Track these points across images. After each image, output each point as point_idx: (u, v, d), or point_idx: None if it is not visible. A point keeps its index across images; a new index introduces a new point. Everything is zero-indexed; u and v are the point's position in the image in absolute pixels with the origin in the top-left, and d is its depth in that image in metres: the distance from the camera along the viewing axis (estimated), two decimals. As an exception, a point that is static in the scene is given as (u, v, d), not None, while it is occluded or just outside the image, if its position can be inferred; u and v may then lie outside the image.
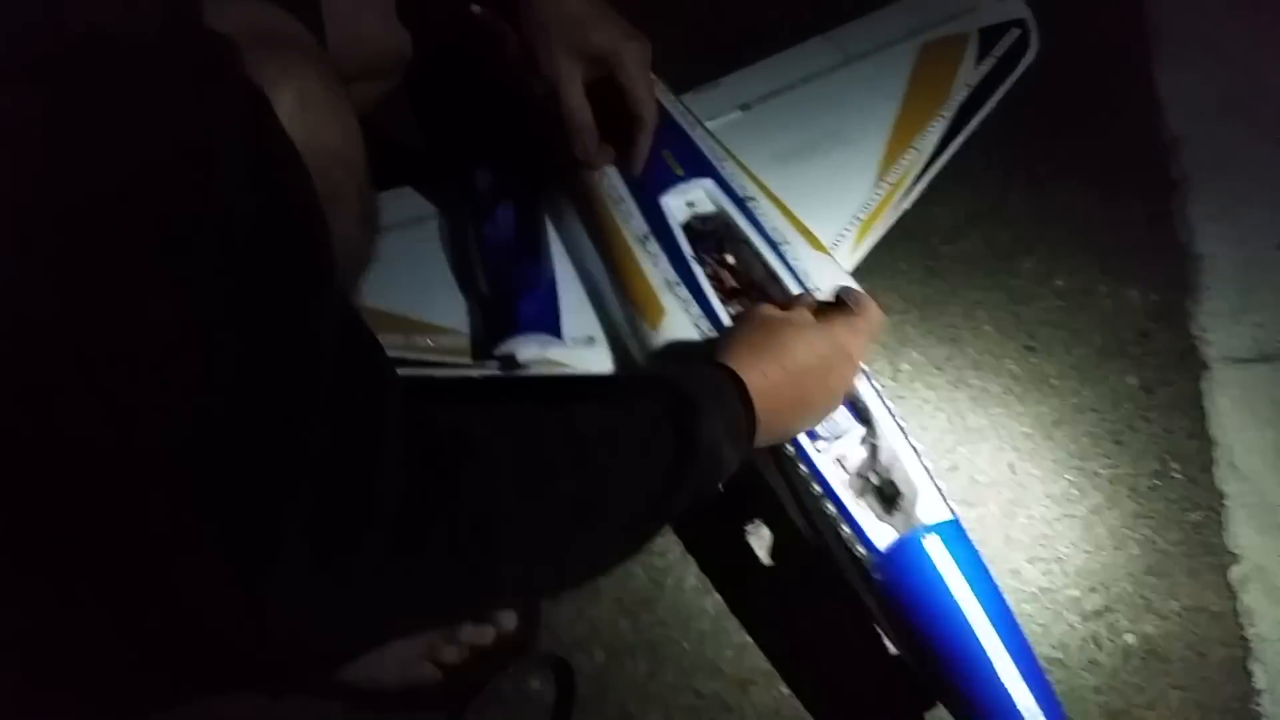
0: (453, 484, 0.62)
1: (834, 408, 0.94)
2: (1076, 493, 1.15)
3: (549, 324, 1.03)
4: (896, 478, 0.94)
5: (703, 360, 0.87)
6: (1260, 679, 1.07)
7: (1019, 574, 1.10)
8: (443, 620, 0.69)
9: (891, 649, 1.00)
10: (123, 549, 0.55)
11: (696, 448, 0.76)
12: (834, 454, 0.96)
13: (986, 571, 0.90)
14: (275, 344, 0.56)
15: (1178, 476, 1.17)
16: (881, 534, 0.90)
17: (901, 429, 0.96)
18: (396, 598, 0.62)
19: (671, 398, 0.78)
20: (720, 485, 0.82)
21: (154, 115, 0.52)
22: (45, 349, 0.51)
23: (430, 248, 1.13)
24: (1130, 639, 1.08)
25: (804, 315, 0.91)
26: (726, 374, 0.83)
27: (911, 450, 0.95)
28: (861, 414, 0.97)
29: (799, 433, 0.92)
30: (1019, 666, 0.86)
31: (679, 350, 0.98)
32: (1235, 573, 1.12)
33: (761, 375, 0.84)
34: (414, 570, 0.61)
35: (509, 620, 1.00)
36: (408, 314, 1.06)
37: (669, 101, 1.16)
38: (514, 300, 1.03)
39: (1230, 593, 1.11)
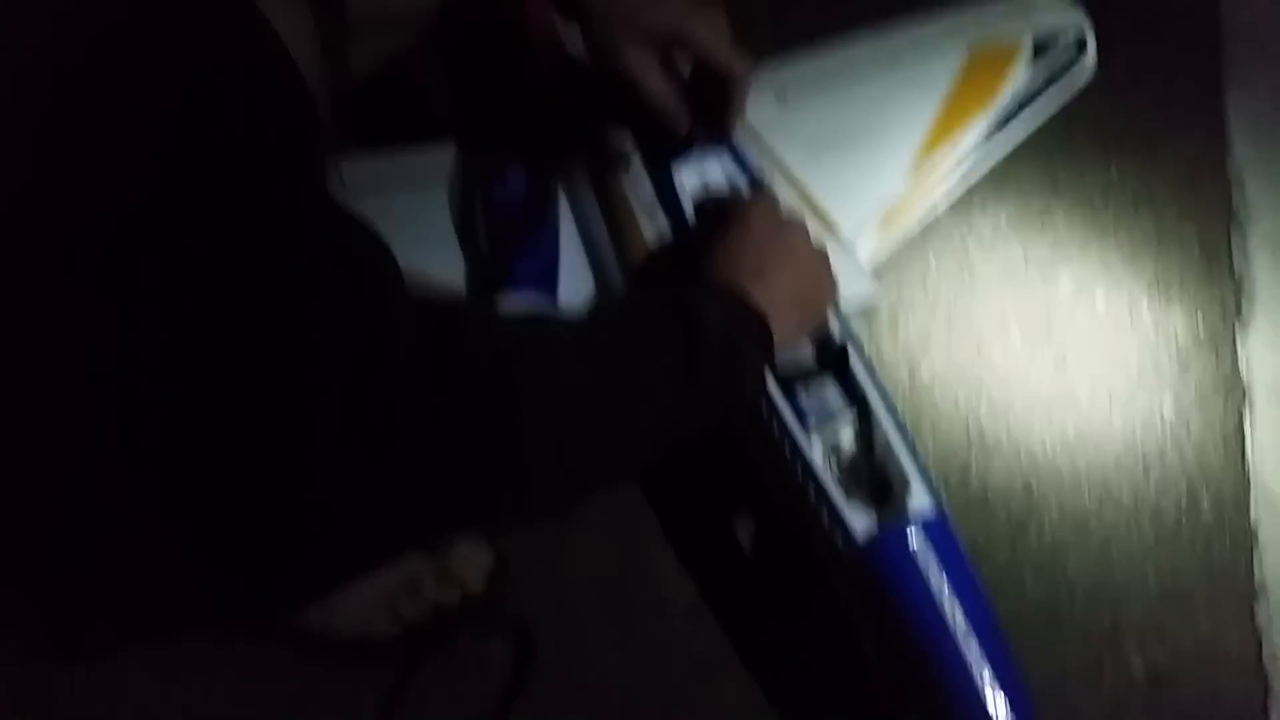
0: (469, 342, 0.63)
1: (823, 263, 0.93)
2: (1095, 514, 1.09)
3: (545, 284, 1.00)
4: (890, 470, 0.90)
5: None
6: (1278, 724, 0.99)
7: (1023, 591, 1.04)
8: (469, 507, 0.68)
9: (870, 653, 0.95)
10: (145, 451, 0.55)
11: (702, 325, 0.76)
12: (825, 441, 0.92)
13: (972, 574, 0.85)
14: (277, 220, 0.57)
15: (1207, 509, 1.10)
16: (863, 525, 0.85)
17: (899, 421, 0.91)
18: (425, 458, 0.61)
19: (663, 292, 0.79)
20: (750, 381, 0.82)
21: None
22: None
23: (439, 209, 1.11)
24: (1137, 670, 1.01)
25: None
26: (700, 279, 0.84)
27: (907, 443, 0.90)
28: (859, 403, 0.92)
29: (822, 305, 0.93)
30: (997, 674, 0.80)
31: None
32: (1262, 612, 1.05)
33: (726, 270, 0.85)
34: (441, 435, 0.61)
35: (476, 582, 0.98)
36: (410, 274, 1.04)
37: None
38: (512, 259, 1.01)
39: (1254, 632, 1.04)
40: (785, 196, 1.03)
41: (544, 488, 0.69)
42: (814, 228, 1.00)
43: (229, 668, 0.95)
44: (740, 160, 1.05)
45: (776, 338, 0.83)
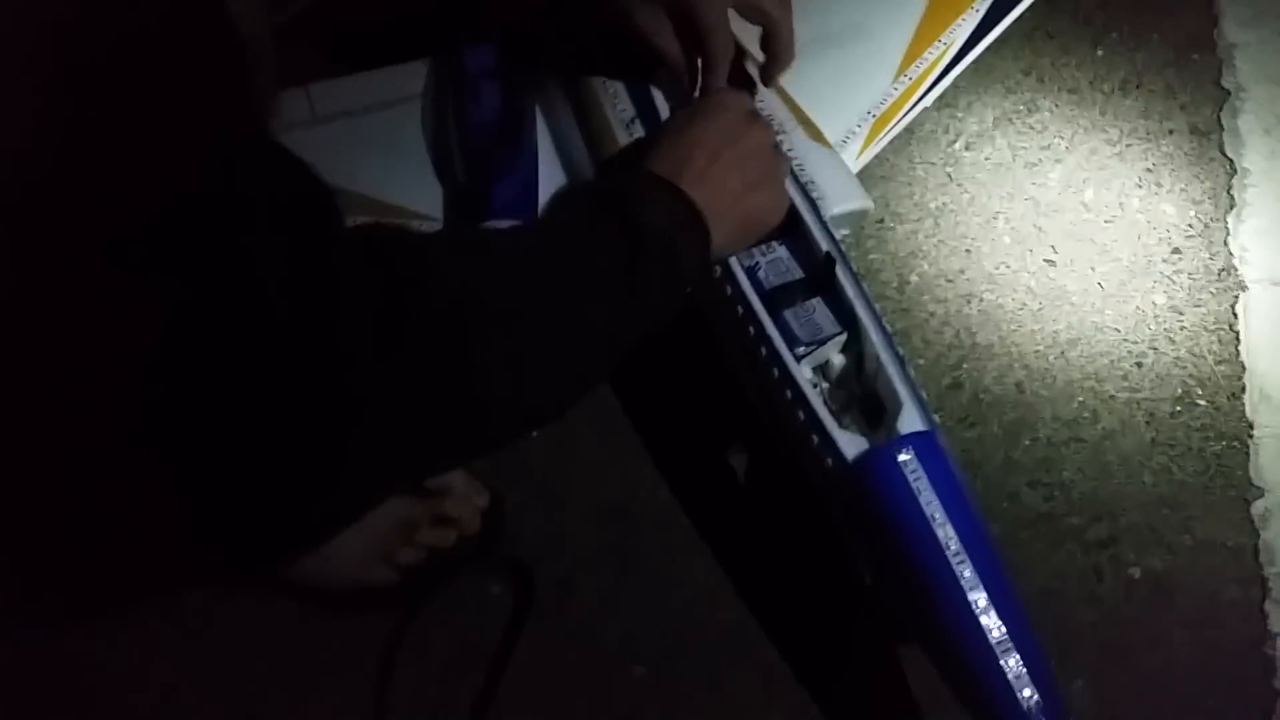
0: (416, 278, 0.62)
1: (780, 172, 0.90)
2: (1088, 416, 1.08)
3: (524, 209, 0.97)
4: (880, 388, 0.88)
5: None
6: (1276, 621, 1.00)
7: (1018, 498, 1.04)
8: (438, 448, 0.68)
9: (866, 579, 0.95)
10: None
11: (642, 232, 0.75)
12: (815, 361, 0.91)
13: (966, 494, 0.83)
14: (194, 169, 0.55)
15: (1202, 404, 1.09)
16: (852, 445, 0.84)
17: (888, 337, 0.89)
18: (390, 411, 0.61)
19: (600, 196, 0.77)
20: (688, 284, 0.80)
21: None
22: None
23: (412, 130, 1.07)
24: (1136, 573, 1.01)
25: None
26: (648, 174, 0.82)
27: (897, 359, 0.88)
28: (847, 319, 0.90)
29: (770, 215, 0.89)
30: (991, 594, 0.79)
31: None
32: (1258, 507, 1.05)
33: (675, 165, 0.82)
34: (399, 372, 0.60)
35: (472, 524, 0.97)
36: (380, 197, 1.02)
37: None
38: (489, 184, 0.98)
39: (1251, 529, 1.04)
40: (772, 107, 1.00)
41: (500, 419, 0.69)
42: (804, 137, 0.98)
43: (230, 621, 0.95)
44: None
45: (714, 240, 0.81)
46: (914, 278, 1.15)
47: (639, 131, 0.97)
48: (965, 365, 1.10)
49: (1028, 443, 1.06)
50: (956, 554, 0.80)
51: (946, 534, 0.80)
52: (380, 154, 1.04)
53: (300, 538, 0.69)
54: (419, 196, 1.02)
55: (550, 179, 1.01)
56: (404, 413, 0.61)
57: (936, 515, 0.81)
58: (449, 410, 0.64)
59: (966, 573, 0.79)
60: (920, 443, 0.83)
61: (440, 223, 1.01)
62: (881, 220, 1.16)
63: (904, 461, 0.82)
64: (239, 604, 0.95)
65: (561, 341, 0.71)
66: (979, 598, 0.79)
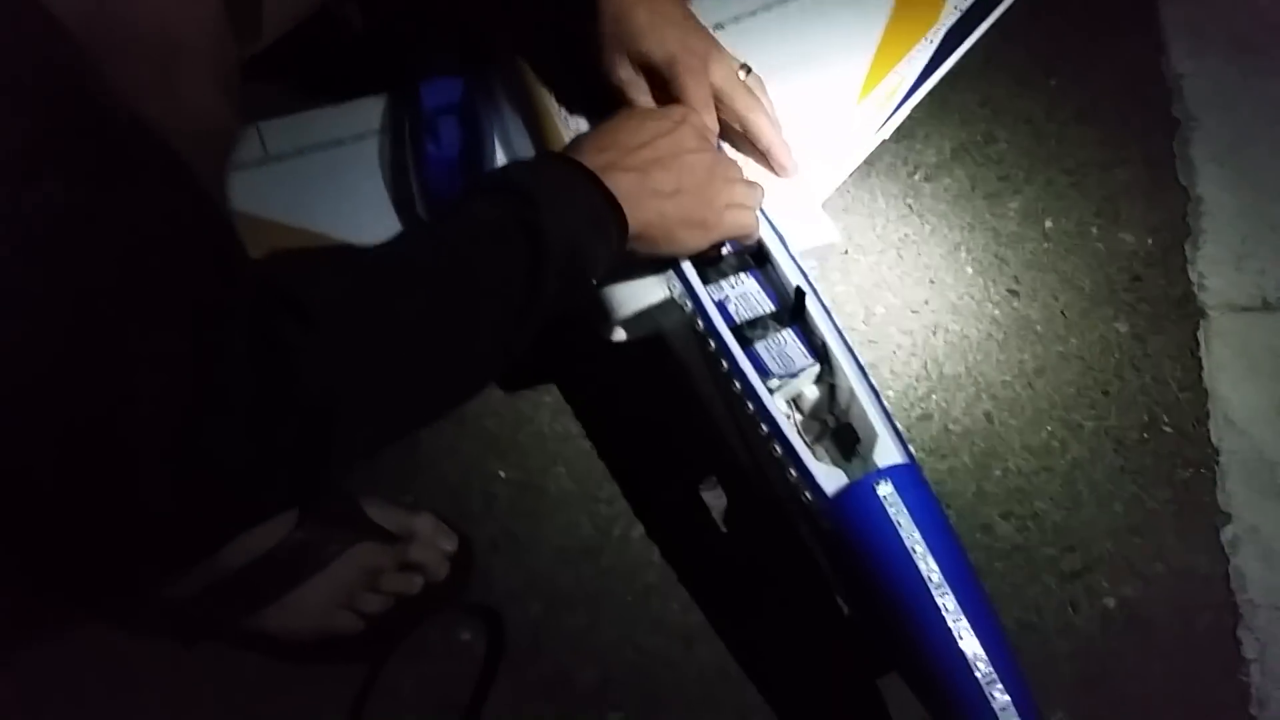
0: (296, 363, 0.60)
1: (719, 197, 0.89)
2: (1057, 445, 1.08)
3: None
4: (855, 420, 0.87)
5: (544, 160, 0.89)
6: (1249, 648, 0.99)
7: (991, 530, 1.03)
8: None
9: (845, 610, 0.94)
10: None
11: (549, 244, 0.74)
12: (787, 394, 0.89)
13: (945, 522, 0.82)
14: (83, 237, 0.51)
15: (1168, 430, 1.09)
16: (831, 479, 0.82)
17: (861, 369, 0.88)
18: (260, 487, 0.60)
19: (512, 198, 0.76)
20: (590, 283, 0.80)
21: None
22: None
23: (368, 167, 1.06)
24: (1110, 603, 1.01)
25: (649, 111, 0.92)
26: (570, 164, 0.81)
27: (871, 391, 0.87)
28: (819, 351, 0.89)
29: (693, 230, 0.88)
30: (974, 625, 0.78)
31: None
32: (1227, 534, 1.05)
33: (602, 156, 0.82)
34: (272, 457, 0.59)
35: (439, 569, 0.95)
36: (333, 234, 1.00)
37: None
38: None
39: (1221, 555, 1.04)
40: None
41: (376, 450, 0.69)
42: (768, 172, 0.98)
43: (194, 671, 0.93)
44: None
45: (631, 230, 0.81)
46: (880, 309, 1.14)
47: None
48: (934, 396, 1.10)
49: (999, 473, 1.06)
50: (939, 585, 0.78)
51: (928, 566, 0.79)
52: (334, 191, 1.03)
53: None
54: (373, 233, 1.00)
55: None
56: (276, 483, 0.61)
57: (918, 548, 0.79)
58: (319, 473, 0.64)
59: (950, 604, 0.78)
60: (899, 475, 0.82)
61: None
62: (846, 252, 1.16)
63: (884, 495, 0.81)
64: (202, 653, 0.92)
65: (450, 366, 0.71)
66: (963, 629, 0.77)
